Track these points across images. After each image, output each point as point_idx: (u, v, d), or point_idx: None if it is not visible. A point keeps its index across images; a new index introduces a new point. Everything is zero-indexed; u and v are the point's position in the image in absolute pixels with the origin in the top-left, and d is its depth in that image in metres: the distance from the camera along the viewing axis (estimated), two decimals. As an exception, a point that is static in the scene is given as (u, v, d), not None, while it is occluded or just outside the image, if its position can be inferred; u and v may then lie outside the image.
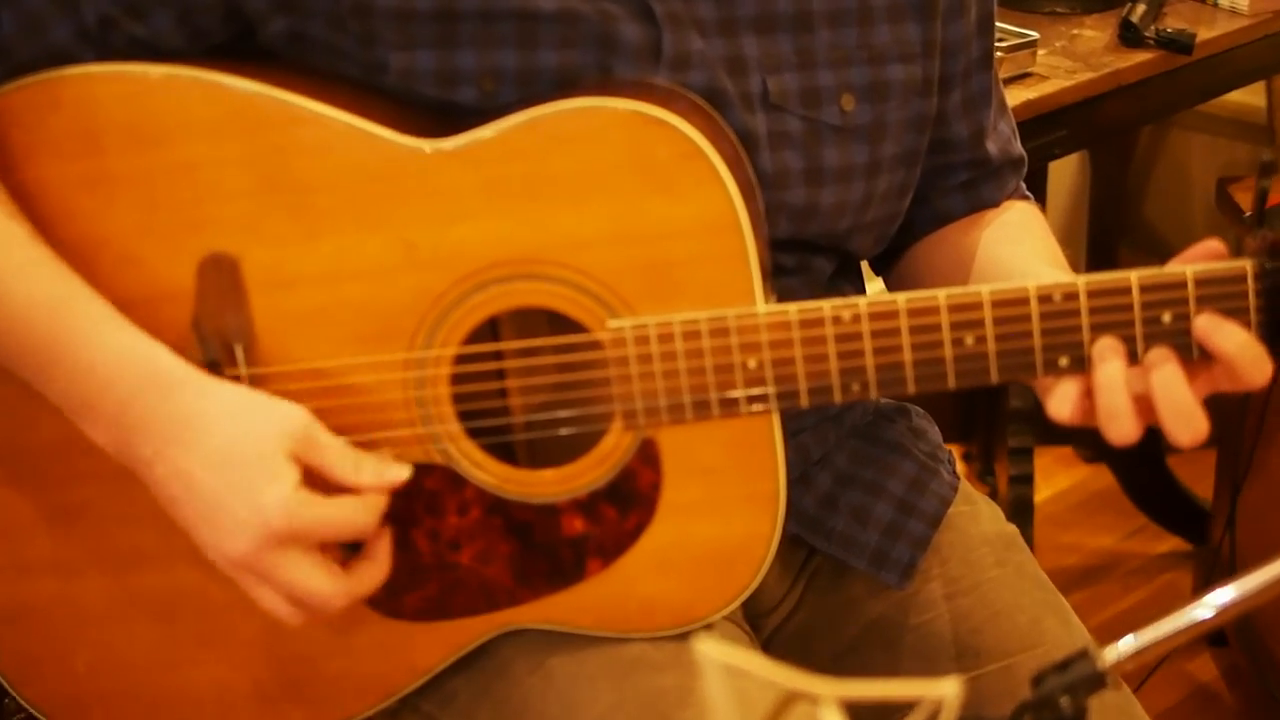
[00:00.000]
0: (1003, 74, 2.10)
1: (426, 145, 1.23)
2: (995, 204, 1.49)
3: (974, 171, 1.47)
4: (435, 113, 1.27)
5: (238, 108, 1.23)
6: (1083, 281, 1.20)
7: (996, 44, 2.12)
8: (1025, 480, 2.85)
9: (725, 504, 1.26)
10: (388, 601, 1.28)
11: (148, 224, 1.25)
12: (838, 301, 1.21)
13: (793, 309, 1.22)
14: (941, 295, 1.21)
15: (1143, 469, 3.07)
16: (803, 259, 1.38)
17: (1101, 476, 3.22)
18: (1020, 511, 2.83)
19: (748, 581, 1.28)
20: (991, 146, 1.47)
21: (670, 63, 1.29)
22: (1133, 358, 1.20)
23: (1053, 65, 2.20)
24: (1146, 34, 2.27)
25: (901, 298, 1.21)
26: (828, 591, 1.47)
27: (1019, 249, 1.43)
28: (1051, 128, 2.17)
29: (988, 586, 1.44)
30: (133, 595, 1.31)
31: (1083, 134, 2.26)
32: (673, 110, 1.22)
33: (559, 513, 1.27)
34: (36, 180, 1.25)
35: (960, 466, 2.84)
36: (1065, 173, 3.54)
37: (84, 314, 1.21)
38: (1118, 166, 3.36)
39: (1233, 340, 1.16)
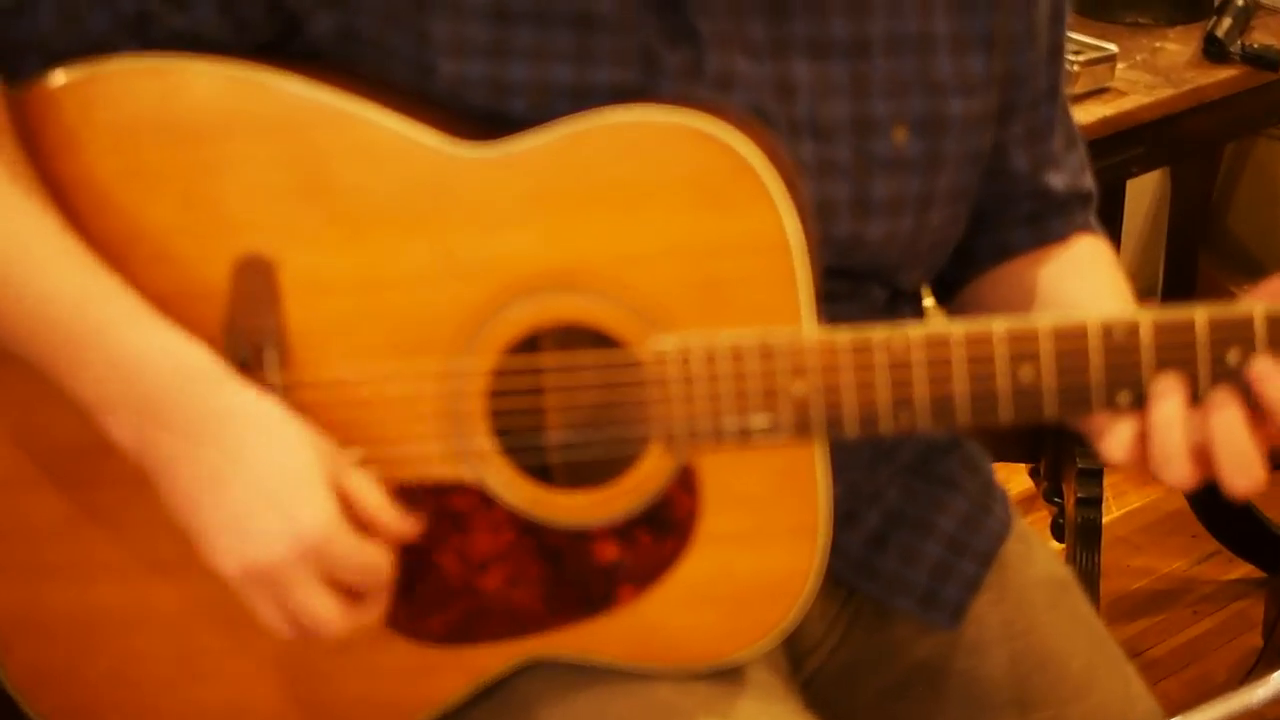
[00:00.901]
0: (1078, 89, 2.05)
1: (470, 151, 1.19)
2: (1061, 238, 1.43)
3: (1037, 204, 1.42)
4: (483, 120, 1.23)
5: (278, 106, 1.20)
6: (1146, 316, 1.15)
7: (1073, 57, 2.08)
8: (1094, 503, 2.77)
9: (765, 536, 1.21)
10: (411, 623, 1.25)
11: (184, 221, 1.22)
12: (890, 327, 1.16)
13: (843, 334, 1.17)
14: (998, 325, 1.16)
15: (1217, 491, 2.98)
16: (855, 286, 1.33)
17: (1174, 498, 3.15)
18: (1087, 536, 2.75)
19: (785, 618, 1.23)
20: (1056, 179, 1.42)
21: (712, 82, 1.24)
22: (1195, 398, 1.14)
23: (1132, 80, 2.14)
24: (1232, 49, 2.20)
25: (957, 326, 1.16)
26: (873, 630, 1.42)
27: (1085, 284, 1.38)
28: (1129, 145, 2.11)
29: (1040, 631, 1.38)
30: (150, 606, 1.28)
31: (1162, 151, 2.19)
32: (736, 121, 1.18)
33: (591, 538, 1.23)
34: (74, 173, 1.21)
35: (1026, 485, 2.79)
36: (1144, 185, 3.46)
37: (113, 307, 1.18)
38: (1200, 181, 3.27)
39: None
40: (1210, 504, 3.02)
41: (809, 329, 1.18)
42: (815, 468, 1.20)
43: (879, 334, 1.17)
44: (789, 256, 1.17)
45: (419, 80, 1.24)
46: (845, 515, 1.35)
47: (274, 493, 1.15)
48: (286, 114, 1.20)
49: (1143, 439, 1.16)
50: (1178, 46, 2.26)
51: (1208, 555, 3.05)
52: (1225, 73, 2.19)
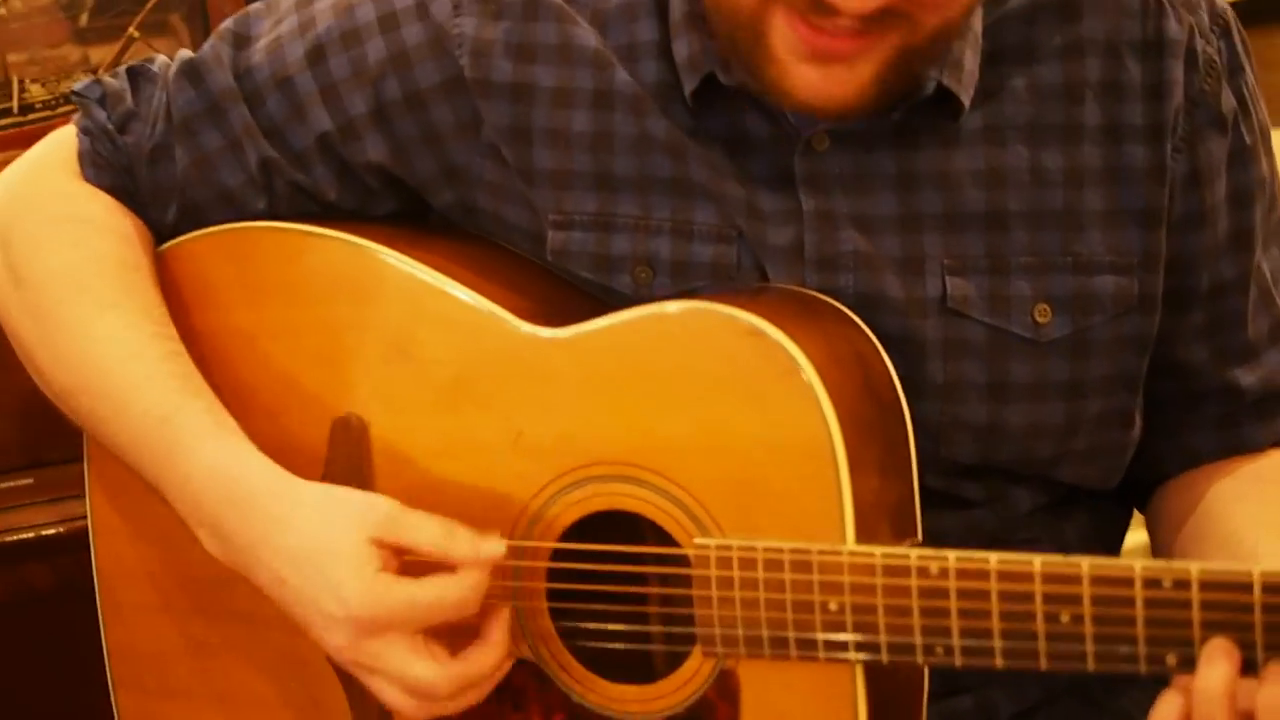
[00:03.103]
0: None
1: (544, 332, 1.21)
2: (1259, 448, 1.30)
3: (1226, 405, 1.29)
4: (590, 302, 1.25)
5: (376, 274, 1.26)
6: (1196, 569, 1.03)
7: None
8: None
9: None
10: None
11: (294, 379, 1.29)
12: (926, 551, 1.10)
13: (878, 552, 1.11)
14: (1037, 561, 1.07)
15: None
16: (995, 488, 1.26)
17: None
18: None
19: None
20: (1248, 377, 1.29)
21: (815, 264, 1.22)
22: (1249, 667, 1.02)
23: None
24: None
25: (994, 557, 1.08)
26: None
27: (1257, 512, 1.24)
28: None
29: None
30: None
31: None
32: (808, 319, 1.16)
33: (637, 733, 1.20)
34: (203, 326, 1.31)
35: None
36: None
37: (190, 427, 1.23)
38: None
39: None
40: None
41: (847, 543, 1.12)
42: (854, 694, 1.14)
43: (914, 556, 1.10)
44: (834, 467, 1.12)
45: (536, 250, 1.27)
46: None
47: (317, 577, 1.16)
48: (385, 282, 1.26)
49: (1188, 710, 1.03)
50: None
51: None
52: None
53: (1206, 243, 1.25)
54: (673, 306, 1.17)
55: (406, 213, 1.33)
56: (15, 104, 1.97)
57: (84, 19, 2.15)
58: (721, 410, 1.15)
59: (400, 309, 1.25)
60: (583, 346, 1.20)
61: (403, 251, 1.26)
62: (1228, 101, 1.25)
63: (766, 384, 1.13)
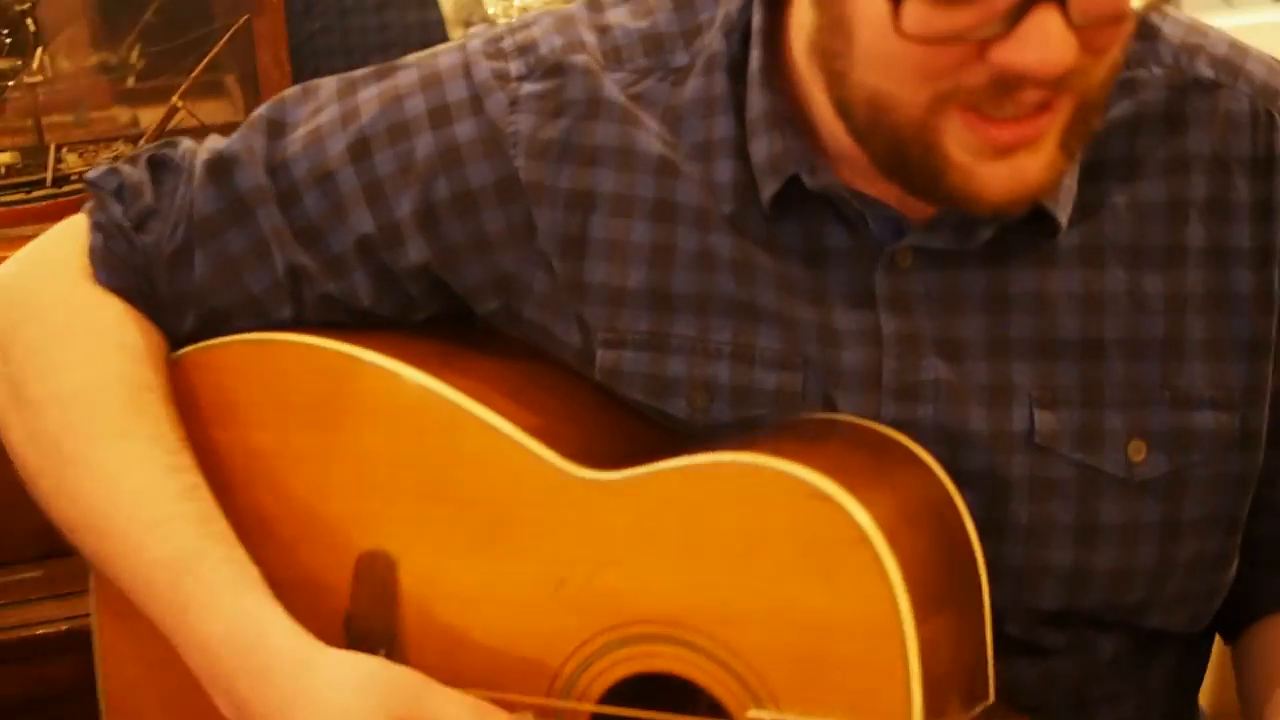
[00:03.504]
0: None
1: (587, 474, 1.12)
2: None
3: None
4: (643, 421, 1.16)
5: (412, 403, 1.17)
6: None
7: None
8: None
9: None
10: None
11: (319, 508, 1.20)
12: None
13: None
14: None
15: None
16: (1077, 635, 1.15)
17: None
18: None
19: None
20: None
21: (894, 393, 1.12)
22: None
23: None
24: None
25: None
26: None
27: None
28: None
29: None
30: None
31: None
32: (879, 469, 1.07)
33: None
34: (220, 444, 1.22)
35: None
36: None
37: (207, 581, 1.14)
38: None
39: None
40: None
41: (916, 730, 1.02)
42: None
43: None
44: (901, 646, 1.02)
45: (584, 368, 1.18)
46: None
47: None
48: (418, 411, 1.16)
49: None
50: None
51: None
52: None
53: None
54: (730, 458, 1.07)
55: (448, 317, 1.23)
56: (50, 174, 1.88)
57: (131, 80, 2.08)
58: (781, 576, 1.05)
59: (437, 443, 1.15)
60: (631, 494, 1.10)
61: (440, 375, 1.16)
62: None
63: (830, 553, 1.03)
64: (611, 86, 1.16)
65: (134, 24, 2.07)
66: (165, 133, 1.98)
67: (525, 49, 1.19)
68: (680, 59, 1.17)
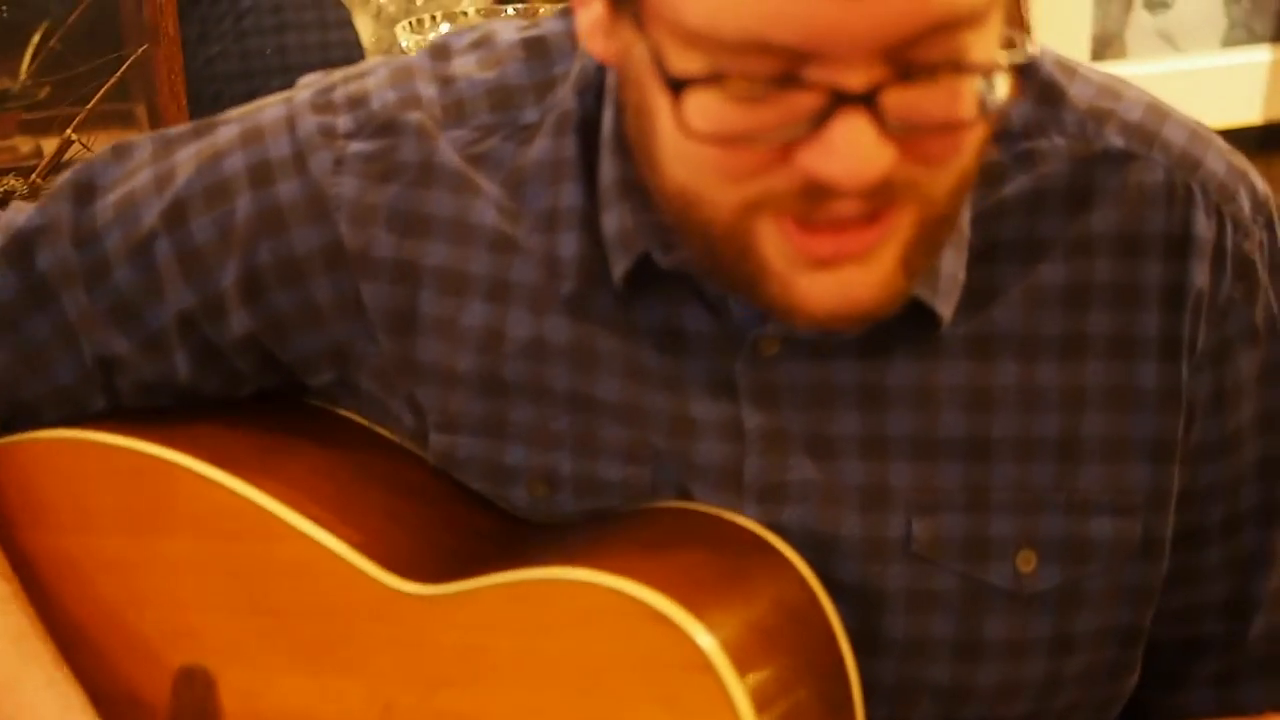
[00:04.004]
0: None
1: (411, 588, 1.01)
2: (1257, 710, 1.08)
3: (1230, 660, 1.08)
4: (486, 509, 1.05)
5: (222, 510, 1.06)
6: None
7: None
8: None
9: None
10: None
11: (132, 619, 1.09)
12: None
13: None
14: None
15: None
16: None
17: None
18: None
19: None
20: (1258, 625, 1.07)
21: (757, 494, 1.00)
22: None
23: None
24: None
25: None
26: None
27: None
28: None
29: None
30: None
31: None
32: (732, 577, 0.97)
33: None
34: (31, 548, 1.11)
35: None
36: None
37: (25, 707, 1.05)
38: None
39: None
40: None
41: None
42: None
43: None
44: (755, 786, 0.91)
45: (420, 449, 1.07)
46: None
47: None
48: (229, 517, 1.05)
49: None
50: None
51: None
52: None
53: (1231, 471, 1.04)
54: (562, 574, 0.96)
55: (279, 391, 1.12)
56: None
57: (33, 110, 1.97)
58: (623, 704, 0.94)
59: (250, 552, 1.04)
60: (461, 610, 0.99)
61: (255, 477, 1.05)
62: (1265, 308, 1.03)
63: (673, 680, 0.92)
64: (447, 149, 1.04)
65: (37, 51, 1.96)
66: (60, 165, 1.88)
67: (356, 102, 1.06)
68: (529, 115, 1.04)
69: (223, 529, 1.05)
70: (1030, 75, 1.00)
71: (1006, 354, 1.01)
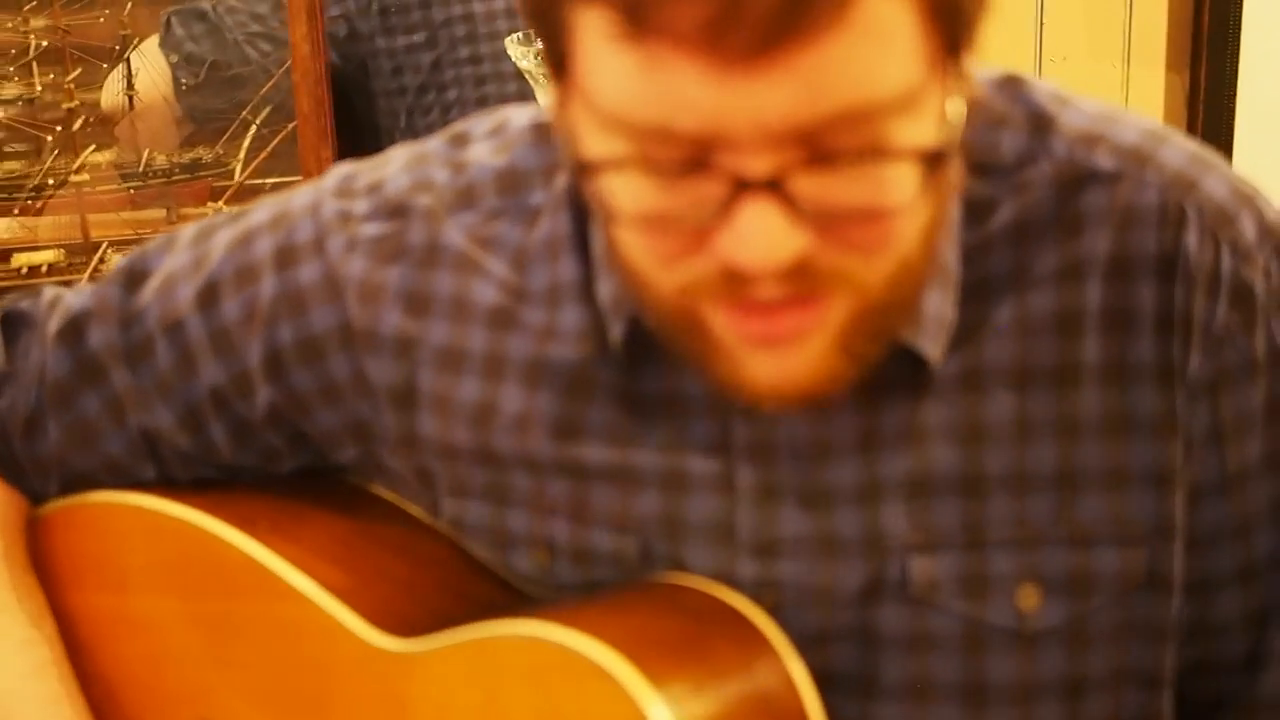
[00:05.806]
0: None
1: (388, 643, 1.03)
2: None
3: (1249, 714, 1.03)
4: (486, 579, 1.07)
5: (234, 566, 1.09)
6: None
7: None
8: None
9: None
10: None
11: (153, 676, 1.14)
12: None
13: None
14: None
15: None
16: None
17: None
18: None
19: None
20: (1273, 677, 1.02)
21: (751, 549, 1.00)
22: None
23: None
24: None
25: None
26: None
27: None
28: None
29: None
30: None
31: None
32: (698, 659, 0.95)
33: None
34: (73, 605, 1.16)
35: None
36: None
37: None
38: None
39: None
40: None
41: None
42: None
43: None
44: None
45: (436, 520, 1.10)
46: None
47: None
48: (242, 578, 1.09)
49: None
50: None
51: None
52: None
53: (1239, 511, 0.99)
54: (518, 629, 0.97)
55: (316, 469, 1.15)
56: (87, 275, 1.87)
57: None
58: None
59: (253, 609, 1.08)
60: (436, 666, 1.00)
61: (268, 538, 1.08)
62: (1268, 339, 0.98)
63: None
64: (454, 231, 1.06)
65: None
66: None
67: (373, 188, 1.10)
68: (537, 198, 1.06)
69: (232, 587, 1.09)
70: (1021, 107, 0.99)
71: (999, 387, 0.98)
